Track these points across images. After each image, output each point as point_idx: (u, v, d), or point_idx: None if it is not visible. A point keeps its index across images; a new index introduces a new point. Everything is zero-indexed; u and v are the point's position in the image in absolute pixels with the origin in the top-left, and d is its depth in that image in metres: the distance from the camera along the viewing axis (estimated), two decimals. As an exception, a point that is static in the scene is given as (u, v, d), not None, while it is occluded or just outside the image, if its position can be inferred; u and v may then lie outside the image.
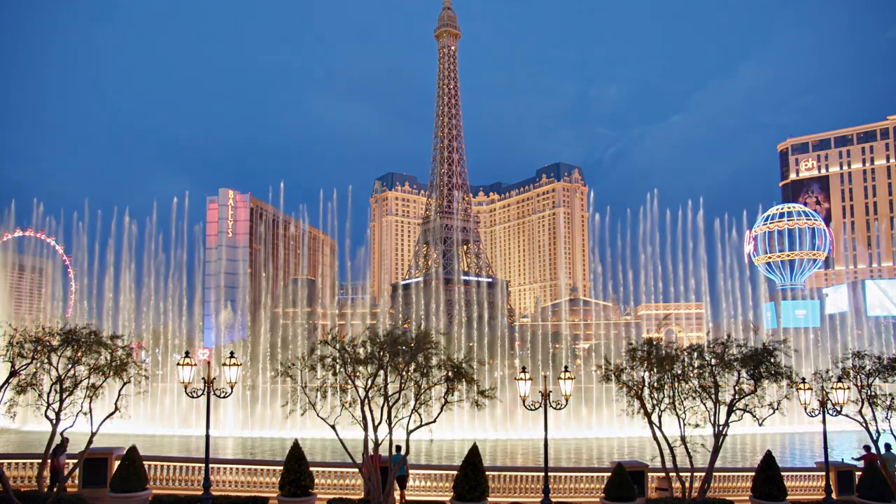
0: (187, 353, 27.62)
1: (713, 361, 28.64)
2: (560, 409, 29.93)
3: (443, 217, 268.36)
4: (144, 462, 28.09)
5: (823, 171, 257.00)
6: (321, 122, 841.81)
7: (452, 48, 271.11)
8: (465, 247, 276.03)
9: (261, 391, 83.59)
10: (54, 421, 26.23)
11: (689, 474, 29.34)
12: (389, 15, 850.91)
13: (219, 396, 26.85)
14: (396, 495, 29.42)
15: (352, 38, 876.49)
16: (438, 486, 31.99)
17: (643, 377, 29.29)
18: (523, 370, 30.04)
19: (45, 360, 26.09)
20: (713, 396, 28.52)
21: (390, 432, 26.42)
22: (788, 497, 28.81)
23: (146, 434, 64.64)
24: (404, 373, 26.25)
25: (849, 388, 30.41)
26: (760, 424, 28.29)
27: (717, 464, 29.58)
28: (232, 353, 27.91)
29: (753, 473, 29.71)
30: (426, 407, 26.41)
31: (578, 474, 33.43)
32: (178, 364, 26.95)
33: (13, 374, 25.52)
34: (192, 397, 26.75)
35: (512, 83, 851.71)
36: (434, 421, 26.47)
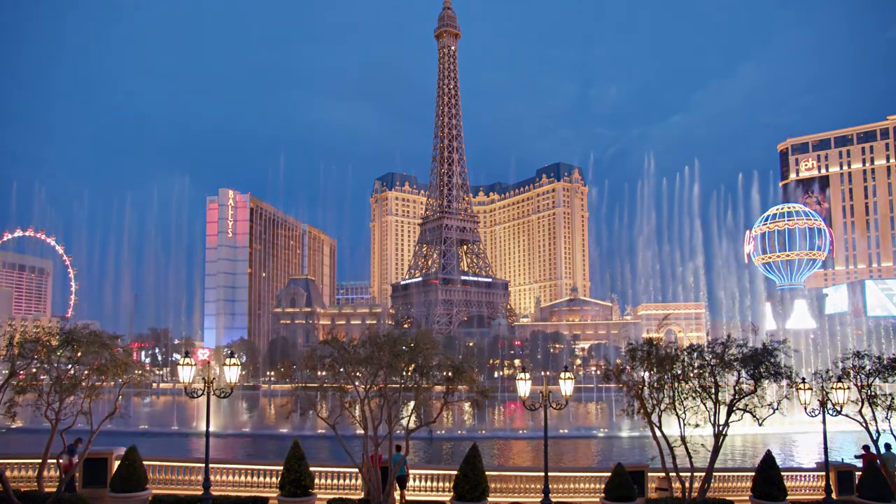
0: (187, 352, 27.63)
1: (713, 361, 28.64)
2: (560, 409, 29.95)
3: (443, 217, 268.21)
4: (144, 462, 28.08)
5: (823, 171, 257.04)
6: (321, 122, 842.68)
7: (452, 48, 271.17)
8: (465, 247, 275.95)
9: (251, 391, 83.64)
10: (54, 421, 26.22)
11: (689, 474, 29.34)
12: (389, 15, 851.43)
13: (219, 397, 26.85)
14: (396, 495, 29.41)
15: (352, 37, 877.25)
16: (438, 486, 31.99)
17: (643, 377, 29.30)
18: (523, 370, 30.05)
19: (45, 361, 26.07)
20: (713, 396, 28.52)
21: (390, 432, 26.42)
22: (788, 497, 28.80)
23: (146, 434, 64.64)
24: (404, 373, 26.26)
25: (849, 388, 30.42)
26: (760, 424, 28.29)
27: (717, 464, 29.58)
28: (232, 352, 27.92)
29: (753, 473, 29.70)
30: (426, 407, 26.43)
31: (578, 474, 33.42)
32: (178, 364, 26.94)
33: (13, 374, 25.51)
34: (192, 397, 26.76)
35: (512, 83, 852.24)
36: (434, 421, 26.48)
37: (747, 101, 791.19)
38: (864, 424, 29.74)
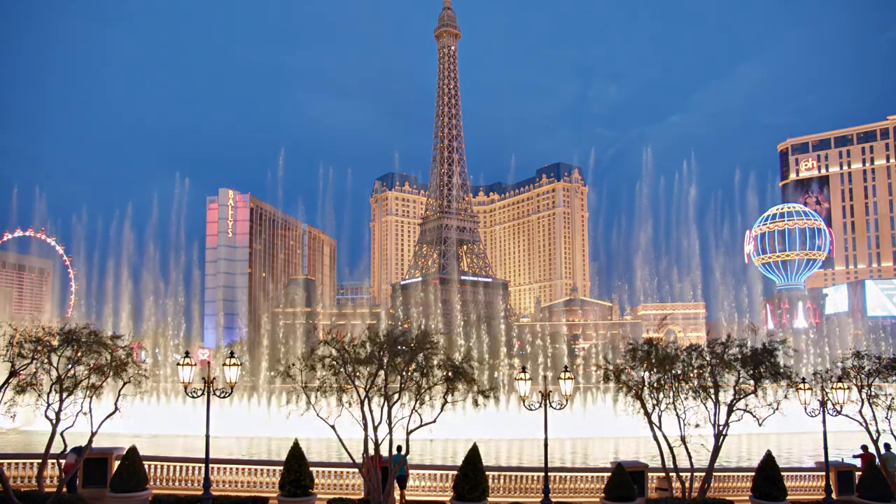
0: (187, 353, 27.64)
1: (713, 361, 28.66)
2: (561, 409, 29.96)
3: (443, 217, 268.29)
4: (144, 462, 28.09)
5: (823, 171, 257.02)
6: (321, 122, 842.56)
7: (452, 48, 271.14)
8: (464, 247, 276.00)
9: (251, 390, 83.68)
10: (54, 421, 26.22)
11: (689, 474, 29.36)
12: (389, 15, 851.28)
13: (219, 396, 26.86)
14: (396, 495, 29.42)
15: (352, 37, 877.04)
16: (438, 486, 32.01)
17: (643, 377, 29.32)
18: (523, 370, 30.06)
19: (45, 360, 26.08)
20: (713, 396, 28.54)
21: (390, 432, 26.42)
22: (788, 497, 28.81)
23: (146, 434, 64.58)
24: (404, 373, 26.27)
25: (849, 388, 30.44)
26: (760, 424, 28.31)
27: (717, 464, 29.59)
28: (232, 353, 27.94)
29: (753, 473, 29.71)
30: (426, 407, 26.41)
31: (578, 474, 33.45)
32: (178, 364, 26.96)
33: (13, 374, 25.51)
34: (192, 397, 26.77)
35: (512, 83, 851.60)
36: (434, 421, 26.47)
37: (747, 101, 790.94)
38: (864, 424, 29.77)
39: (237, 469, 32.19)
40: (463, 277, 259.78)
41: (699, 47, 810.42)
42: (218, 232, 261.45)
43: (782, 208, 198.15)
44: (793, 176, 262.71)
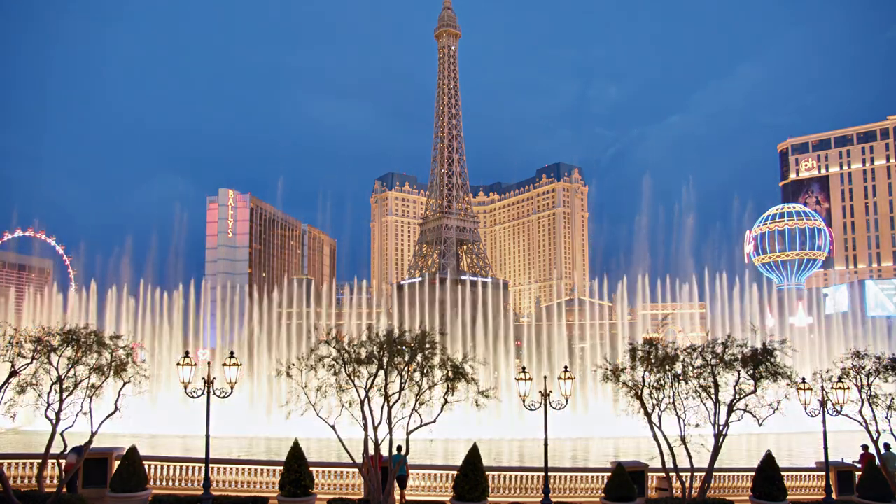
0: (187, 353, 27.65)
1: (713, 361, 28.66)
2: (560, 409, 29.96)
3: (443, 217, 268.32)
4: (144, 462, 28.10)
5: (823, 171, 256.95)
6: (321, 122, 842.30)
7: (452, 48, 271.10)
8: (464, 247, 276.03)
9: (251, 390, 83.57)
10: (54, 421, 26.22)
11: (689, 474, 29.35)
12: (389, 14, 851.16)
13: (219, 396, 26.86)
14: (396, 495, 29.42)
15: (352, 37, 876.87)
16: (438, 485, 32.01)
17: (643, 377, 29.32)
18: (523, 370, 30.07)
19: (45, 360, 26.09)
20: (713, 396, 28.53)
21: (390, 432, 26.42)
22: (788, 497, 28.82)
23: (146, 434, 64.59)
24: (404, 373, 26.26)
25: (849, 388, 30.44)
26: (760, 424, 28.31)
27: (717, 464, 29.60)
28: (232, 353, 27.95)
29: (753, 473, 29.73)
30: (426, 407, 26.41)
31: (578, 474, 33.45)
32: (178, 364, 26.97)
33: (13, 374, 25.52)
34: (192, 397, 26.77)
35: (512, 83, 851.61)
36: (434, 421, 26.47)
37: (747, 101, 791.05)
38: (864, 424, 29.77)
39: (237, 469, 32.19)
40: (463, 277, 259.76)
41: (699, 47, 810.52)
42: (218, 232, 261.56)
43: (782, 208, 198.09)
44: (793, 176, 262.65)
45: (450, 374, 26.07)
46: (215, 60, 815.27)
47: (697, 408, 29.03)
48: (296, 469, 26.59)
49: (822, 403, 30.42)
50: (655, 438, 28.99)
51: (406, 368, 26.20)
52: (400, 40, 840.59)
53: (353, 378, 26.25)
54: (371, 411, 26.10)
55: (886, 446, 30.95)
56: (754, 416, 28.25)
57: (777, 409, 28.70)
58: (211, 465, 28.39)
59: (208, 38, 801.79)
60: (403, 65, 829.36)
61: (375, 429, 26.00)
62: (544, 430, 29.61)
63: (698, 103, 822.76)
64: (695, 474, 29.30)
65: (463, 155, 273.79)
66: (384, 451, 27.34)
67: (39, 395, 26.30)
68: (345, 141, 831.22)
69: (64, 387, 26.22)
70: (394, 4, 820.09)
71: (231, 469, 32.09)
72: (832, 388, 30.53)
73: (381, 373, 26.08)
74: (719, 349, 28.75)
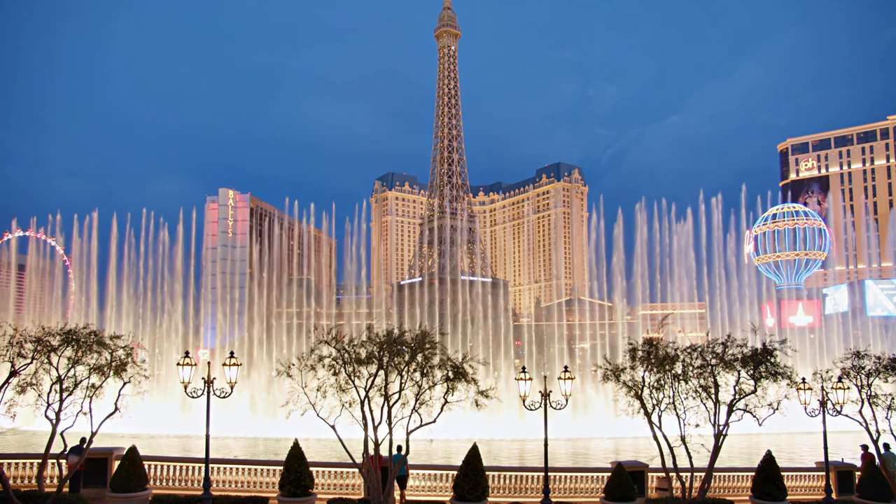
0: (187, 353, 27.65)
1: (713, 361, 28.66)
2: (560, 408, 29.96)
3: (442, 217, 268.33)
4: (144, 462, 28.08)
5: (823, 171, 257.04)
6: (321, 122, 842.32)
7: (452, 48, 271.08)
8: (464, 247, 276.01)
9: (249, 391, 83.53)
10: (54, 421, 26.21)
11: (689, 474, 29.35)
12: (389, 15, 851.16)
13: (219, 396, 26.86)
14: (396, 495, 29.41)
15: (352, 38, 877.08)
16: (438, 485, 32.01)
17: (643, 377, 29.32)
18: (523, 370, 30.07)
19: (45, 360, 26.07)
20: (713, 396, 28.53)
21: (390, 432, 26.41)
22: (788, 497, 28.81)
23: (147, 434, 64.57)
24: (404, 373, 26.25)
25: (849, 388, 30.45)
26: (760, 424, 28.31)
27: (717, 464, 29.60)
28: (232, 352, 27.95)
29: (753, 473, 29.72)
30: (426, 407, 26.40)
31: (578, 474, 33.44)
32: (178, 364, 26.97)
33: (13, 374, 25.50)
34: (192, 397, 26.77)
35: (511, 83, 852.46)
36: (434, 421, 26.46)
37: (746, 101, 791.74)
38: (864, 424, 29.77)
39: (237, 469, 32.19)
40: (463, 277, 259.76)
41: (698, 47, 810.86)
42: (218, 232, 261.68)
43: (782, 208, 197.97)
44: (793, 176, 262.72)
45: (450, 374, 26.06)
46: (216, 61, 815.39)
47: (697, 408, 29.03)
48: (296, 469, 26.59)
49: (822, 403, 30.43)
50: (655, 438, 28.98)
51: (406, 368, 26.19)
52: (400, 41, 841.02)
53: (353, 378, 26.24)
54: (371, 411, 26.09)
55: (886, 446, 30.94)
56: (754, 416, 28.25)
57: (777, 409, 28.70)
58: (211, 465, 28.39)
59: (209, 39, 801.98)
60: (404, 65, 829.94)
61: (375, 429, 25.98)
62: (544, 430, 29.61)
63: (698, 103, 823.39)
64: (695, 474, 29.30)
65: (463, 155, 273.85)
66: (384, 451, 27.34)
67: (39, 395, 26.28)
68: (345, 141, 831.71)
69: (64, 387, 26.21)
70: (394, 5, 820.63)
71: (231, 469, 32.09)
72: (832, 388, 30.54)
73: (381, 373, 26.07)
74: (719, 349, 28.75)
